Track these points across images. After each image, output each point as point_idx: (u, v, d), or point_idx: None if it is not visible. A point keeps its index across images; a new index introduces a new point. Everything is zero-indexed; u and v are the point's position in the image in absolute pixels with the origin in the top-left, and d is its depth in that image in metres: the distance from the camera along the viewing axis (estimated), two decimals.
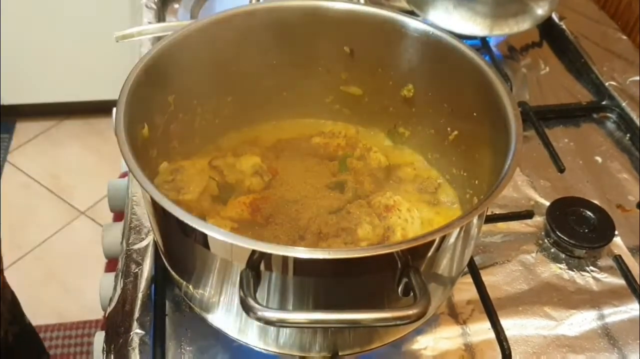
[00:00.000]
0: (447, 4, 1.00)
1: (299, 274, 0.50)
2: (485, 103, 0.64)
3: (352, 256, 0.48)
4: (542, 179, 0.87)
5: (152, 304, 0.68)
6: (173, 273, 0.63)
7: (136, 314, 0.67)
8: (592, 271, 0.77)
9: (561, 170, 0.85)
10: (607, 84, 1.01)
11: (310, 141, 0.76)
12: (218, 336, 0.66)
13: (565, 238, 0.77)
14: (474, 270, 0.72)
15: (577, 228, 0.78)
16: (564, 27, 1.12)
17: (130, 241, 0.74)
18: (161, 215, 0.55)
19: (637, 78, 1.02)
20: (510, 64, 1.09)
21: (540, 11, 1.02)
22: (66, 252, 2.03)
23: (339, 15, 0.72)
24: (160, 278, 0.70)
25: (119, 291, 0.69)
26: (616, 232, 0.78)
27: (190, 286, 0.59)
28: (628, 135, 0.95)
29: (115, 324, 0.66)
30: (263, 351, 0.60)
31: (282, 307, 0.53)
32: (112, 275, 0.74)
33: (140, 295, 0.68)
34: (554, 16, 1.13)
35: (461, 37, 0.69)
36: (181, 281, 0.61)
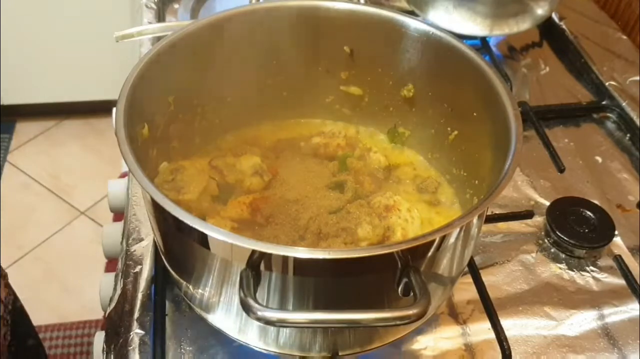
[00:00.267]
0: (447, 4, 1.00)
1: (299, 274, 0.50)
2: (485, 103, 0.64)
3: (352, 256, 0.48)
4: (542, 179, 0.87)
5: (152, 304, 0.68)
6: (173, 273, 0.63)
7: (136, 314, 0.67)
8: (592, 271, 0.77)
9: (561, 170, 0.85)
10: (607, 84, 1.01)
11: (310, 141, 0.76)
12: (218, 336, 0.66)
13: (565, 238, 0.77)
14: (474, 270, 0.72)
15: (577, 228, 0.78)
16: (564, 27, 1.12)
17: (130, 241, 0.74)
18: (161, 215, 0.55)
19: (637, 78, 1.02)
20: (510, 64, 1.09)
21: (540, 11, 1.02)
22: (66, 252, 2.03)
23: (339, 15, 0.72)
24: (160, 278, 0.70)
25: (119, 291, 0.69)
26: (616, 232, 0.78)
27: (190, 286, 0.59)
28: (628, 135, 0.95)
29: (115, 324, 0.67)
30: (263, 351, 0.60)
31: (282, 307, 0.53)
32: (112, 275, 0.74)
33: (140, 295, 0.68)
34: (554, 16, 1.13)
35: (461, 37, 0.69)
36: (181, 281, 0.61)
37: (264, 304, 0.46)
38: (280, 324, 0.47)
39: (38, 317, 1.82)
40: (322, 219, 0.63)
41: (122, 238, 0.75)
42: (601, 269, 0.77)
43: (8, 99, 2.34)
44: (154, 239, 0.72)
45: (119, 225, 0.80)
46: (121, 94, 0.58)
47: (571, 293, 0.74)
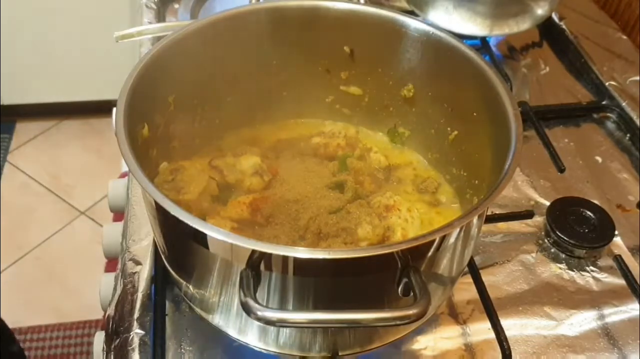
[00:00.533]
0: (447, 4, 1.00)
1: (299, 274, 0.50)
2: (485, 103, 0.64)
3: (352, 256, 0.48)
4: (542, 179, 0.87)
5: (152, 304, 0.68)
6: (173, 273, 0.63)
7: (136, 314, 0.67)
8: (592, 271, 0.77)
9: (561, 170, 0.85)
10: (607, 84, 1.01)
11: (310, 141, 0.76)
12: (218, 336, 0.66)
13: (565, 238, 0.77)
14: (474, 270, 0.72)
15: (577, 228, 0.78)
16: (564, 27, 1.12)
17: (130, 241, 0.73)
18: (161, 215, 0.55)
19: (637, 78, 1.02)
20: (510, 64, 1.09)
21: (540, 11, 1.02)
22: (66, 252, 2.03)
23: (339, 15, 0.72)
24: (160, 278, 0.70)
25: (119, 291, 0.69)
26: (616, 232, 0.78)
27: (190, 286, 0.59)
28: (628, 135, 0.95)
29: (115, 324, 0.66)
30: (263, 351, 0.60)
31: (282, 307, 0.53)
32: (112, 275, 0.74)
33: (140, 295, 0.68)
34: (554, 16, 1.13)
35: (461, 37, 0.69)
36: (181, 281, 0.61)
37: (264, 304, 0.46)
38: (280, 324, 0.47)
39: (38, 317, 1.83)
40: (322, 219, 0.63)
41: (122, 238, 0.75)
42: (601, 269, 0.77)
43: (8, 99, 2.34)
44: (154, 239, 0.72)
45: (119, 225, 0.80)
46: (121, 94, 0.58)
47: (571, 293, 0.74)
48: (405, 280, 0.50)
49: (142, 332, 0.65)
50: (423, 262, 0.52)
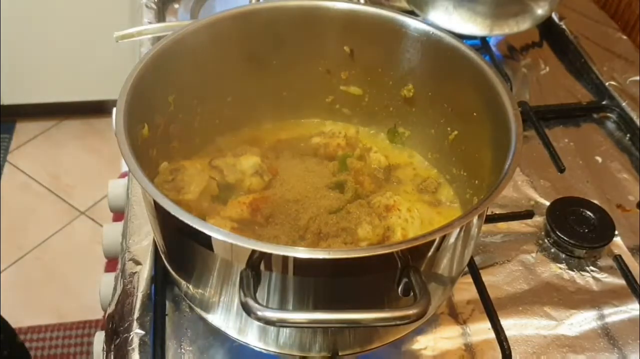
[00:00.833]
0: (447, 4, 1.00)
1: (299, 274, 0.50)
2: (485, 103, 0.64)
3: (352, 256, 0.48)
4: (542, 179, 0.87)
5: (152, 304, 0.68)
6: (173, 273, 0.63)
7: (136, 314, 0.67)
8: (592, 271, 0.77)
9: (561, 170, 0.85)
10: (607, 84, 1.01)
11: (310, 141, 0.76)
12: (218, 336, 0.66)
13: (565, 238, 0.77)
14: (474, 270, 0.72)
15: (577, 228, 0.78)
16: (564, 27, 1.12)
17: (130, 241, 0.74)
18: (161, 215, 0.55)
19: (637, 78, 1.02)
20: (510, 64, 1.09)
21: (540, 11, 1.02)
22: (66, 252, 2.03)
23: (339, 15, 0.72)
24: (160, 278, 0.70)
25: (119, 291, 0.69)
26: (616, 232, 0.78)
27: (191, 286, 0.59)
28: (628, 135, 0.95)
29: (115, 324, 0.67)
30: (263, 351, 0.60)
31: (282, 307, 0.53)
32: (112, 275, 0.74)
33: (140, 295, 0.68)
34: (554, 16, 1.13)
35: (461, 37, 0.69)
36: (181, 281, 0.61)
37: (264, 304, 0.46)
38: (280, 324, 0.47)
39: (38, 317, 1.83)
40: (322, 219, 0.63)
41: (122, 238, 0.75)
42: (601, 269, 0.77)
43: (8, 99, 2.34)
44: (154, 239, 0.72)
45: (119, 225, 0.80)
46: (121, 94, 0.58)
47: (571, 293, 0.74)
48: (405, 280, 0.50)
49: (142, 332, 0.65)
50: (423, 262, 0.52)
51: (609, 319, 0.72)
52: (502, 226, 0.81)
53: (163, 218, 0.56)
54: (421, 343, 0.68)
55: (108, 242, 0.83)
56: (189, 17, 1.12)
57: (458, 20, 1.01)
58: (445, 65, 0.69)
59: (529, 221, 0.81)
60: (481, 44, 1.05)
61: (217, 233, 0.48)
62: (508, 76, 1.00)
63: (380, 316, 0.47)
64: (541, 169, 0.88)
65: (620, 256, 0.76)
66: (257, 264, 0.49)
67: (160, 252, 0.65)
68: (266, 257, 0.48)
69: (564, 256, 0.78)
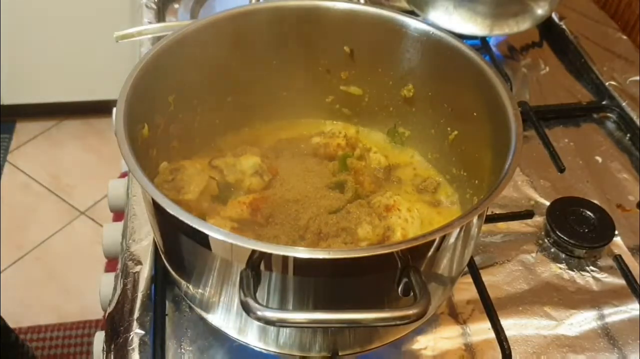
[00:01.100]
0: (447, 4, 1.00)
1: (299, 274, 0.50)
2: (485, 103, 0.64)
3: (352, 256, 0.48)
4: (542, 179, 0.87)
5: (152, 304, 0.68)
6: (173, 273, 0.63)
7: (136, 314, 0.67)
8: (592, 271, 0.77)
9: (561, 170, 0.85)
10: (607, 84, 1.01)
11: (310, 141, 0.76)
12: (218, 336, 0.66)
13: (565, 238, 0.77)
14: (474, 270, 0.72)
15: (577, 228, 0.78)
16: (564, 27, 1.12)
17: (130, 241, 0.74)
18: (161, 215, 0.55)
19: (637, 78, 1.02)
20: (510, 64, 1.09)
21: (540, 11, 1.02)
22: (66, 252, 2.03)
23: (339, 15, 0.72)
24: (160, 278, 0.70)
25: (119, 291, 0.69)
26: (616, 232, 0.78)
27: (190, 286, 0.59)
28: (628, 135, 0.95)
29: (115, 324, 0.67)
30: (263, 351, 0.60)
31: (282, 307, 0.53)
32: (112, 275, 0.74)
33: (140, 295, 0.68)
34: (554, 16, 1.13)
35: (461, 37, 0.69)
36: (181, 281, 0.61)
37: (264, 304, 0.46)
38: (280, 324, 0.47)
39: (38, 317, 1.83)
40: (322, 219, 0.63)
41: (122, 238, 0.75)
42: (601, 269, 0.77)
43: (8, 99, 2.34)
44: (154, 239, 0.72)
45: (119, 225, 0.80)
46: (121, 94, 0.58)
47: (571, 293, 0.74)
48: (405, 280, 0.50)
49: (142, 332, 0.65)
50: (423, 262, 0.52)
51: (609, 319, 0.72)
52: (502, 226, 0.81)
53: (163, 218, 0.56)
54: (421, 343, 0.68)
55: (108, 242, 0.83)
56: (189, 17, 1.12)
57: (458, 20, 1.01)
58: (445, 65, 0.69)
59: (529, 221, 0.81)
60: (481, 44, 1.05)
61: (216, 233, 0.48)
62: (508, 76, 1.00)
63: (380, 316, 0.47)
64: (541, 169, 0.88)
65: (620, 256, 0.76)
66: (257, 264, 0.49)
67: (160, 252, 0.65)
68: (266, 257, 0.48)
69: (564, 256, 0.78)
